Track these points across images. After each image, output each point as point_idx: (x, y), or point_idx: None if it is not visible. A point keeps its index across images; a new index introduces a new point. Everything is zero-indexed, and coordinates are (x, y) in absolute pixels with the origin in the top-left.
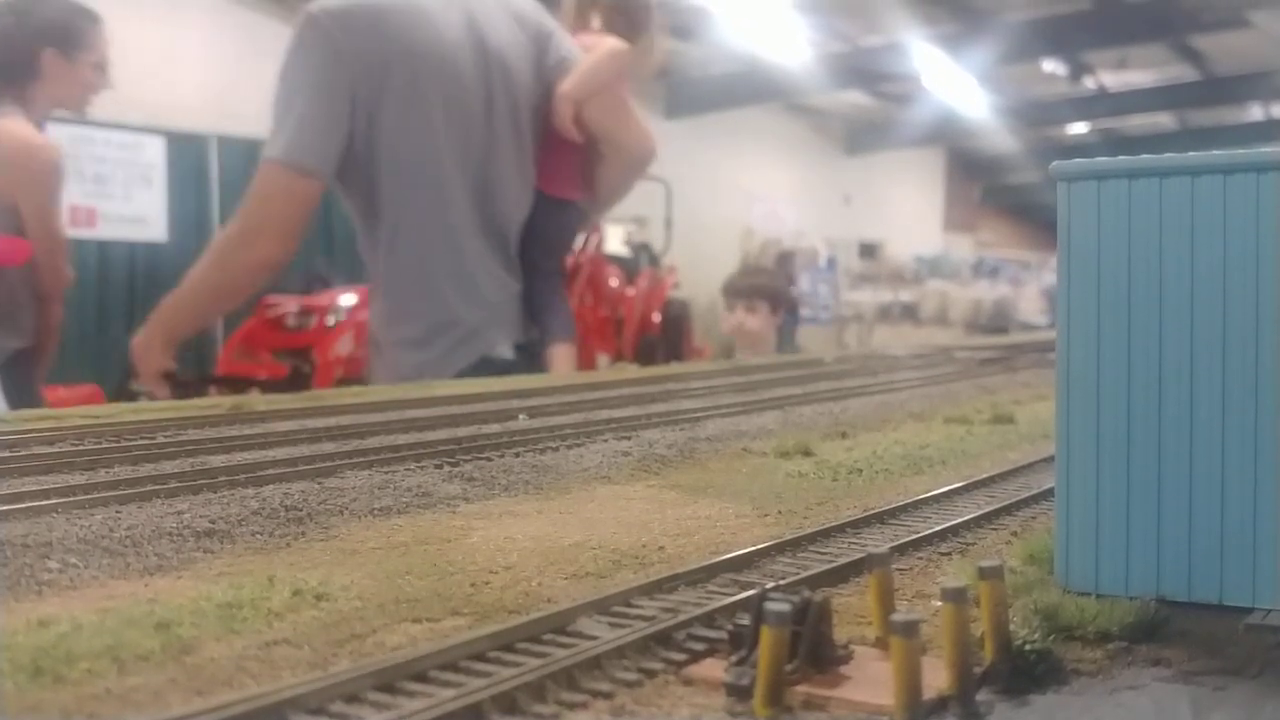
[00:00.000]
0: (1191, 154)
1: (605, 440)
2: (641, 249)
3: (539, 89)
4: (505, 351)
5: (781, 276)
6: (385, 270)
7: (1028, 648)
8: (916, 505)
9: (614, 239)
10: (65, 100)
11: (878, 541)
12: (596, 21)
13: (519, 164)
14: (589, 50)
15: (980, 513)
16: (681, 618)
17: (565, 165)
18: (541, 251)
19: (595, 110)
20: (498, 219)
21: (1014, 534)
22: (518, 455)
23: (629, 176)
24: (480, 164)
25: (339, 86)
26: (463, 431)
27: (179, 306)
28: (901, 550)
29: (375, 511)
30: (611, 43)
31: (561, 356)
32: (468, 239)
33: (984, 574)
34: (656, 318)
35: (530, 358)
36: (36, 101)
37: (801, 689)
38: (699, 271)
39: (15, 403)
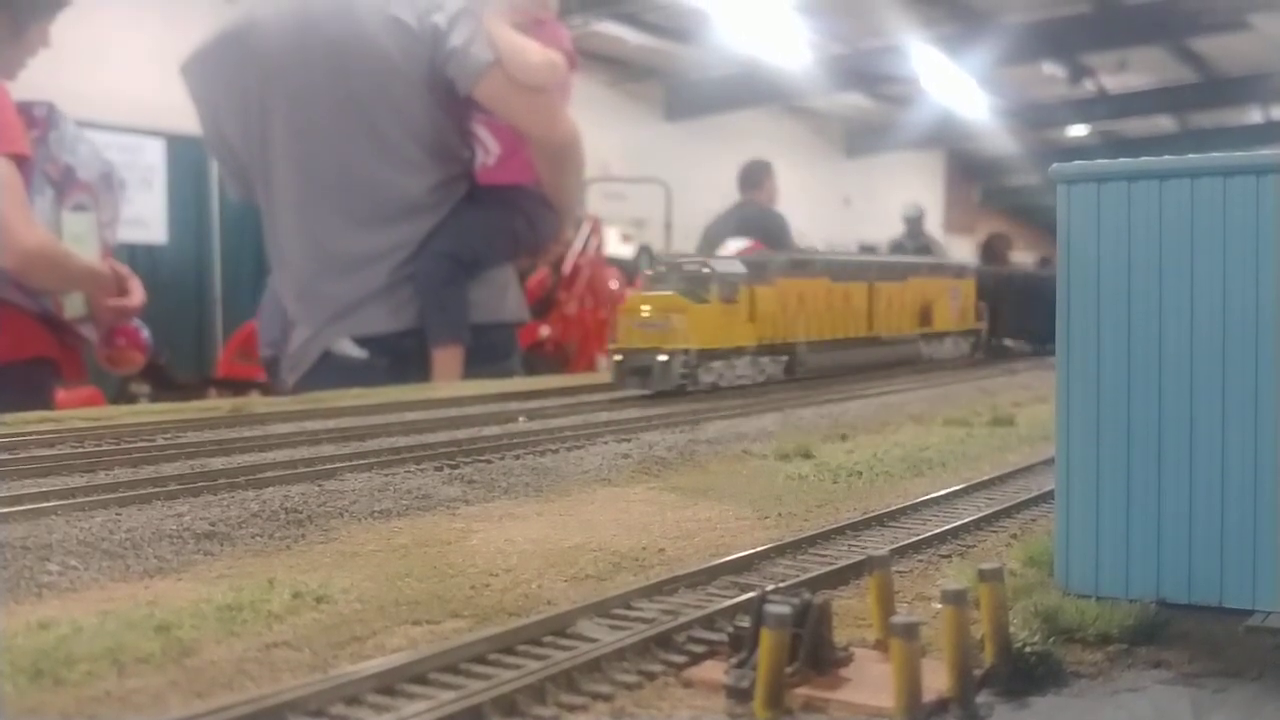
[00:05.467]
0: (1191, 156)
1: (605, 442)
2: (642, 250)
3: (431, 73)
4: (348, 348)
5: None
6: None
7: (1028, 650)
8: (916, 508)
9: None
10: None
11: (878, 544)
12: None
13: (395, 148)
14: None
15: (980, 515)
16: (681, 620)
17: (507, 154)
18: (447, 239)
19: (496, 98)
20: (365, 208)
21: (1014, 536)
22: (517, 458)
23: (557, 169)
24: (336, 157)
25: (211, 134)
26: (462, 434)
27: None
28: (901, 553)
29: (375, 514)
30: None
31: (440, 361)
32: (316, 237)
33: (984, 576)
34: None
35: (414, 360)
36: None
37: (801, 691)
38: None
39: None
